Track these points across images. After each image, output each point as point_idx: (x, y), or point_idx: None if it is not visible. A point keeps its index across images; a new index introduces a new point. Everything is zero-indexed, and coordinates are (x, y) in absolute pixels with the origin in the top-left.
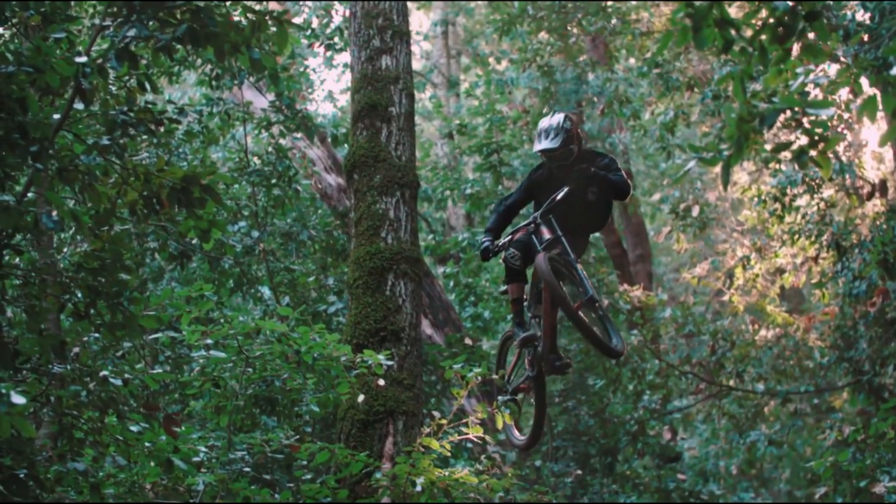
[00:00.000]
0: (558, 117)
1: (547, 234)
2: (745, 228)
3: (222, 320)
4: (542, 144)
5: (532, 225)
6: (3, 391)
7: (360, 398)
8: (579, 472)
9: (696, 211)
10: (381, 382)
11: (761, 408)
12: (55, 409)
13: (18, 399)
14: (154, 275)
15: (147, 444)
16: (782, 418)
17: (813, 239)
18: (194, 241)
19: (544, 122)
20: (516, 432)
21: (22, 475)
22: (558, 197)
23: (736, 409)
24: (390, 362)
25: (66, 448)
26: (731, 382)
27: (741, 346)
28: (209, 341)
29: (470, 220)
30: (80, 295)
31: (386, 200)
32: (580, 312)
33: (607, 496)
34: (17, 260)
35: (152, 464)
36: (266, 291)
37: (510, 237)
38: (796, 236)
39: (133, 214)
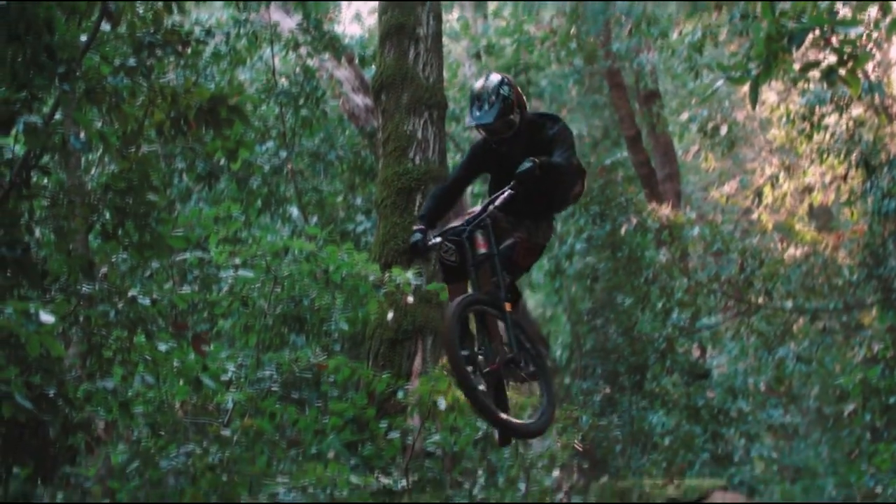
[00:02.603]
0: (493, 80)
1: (482, 248)
2: (773, 147)
3: (250, 240)
4: (475, 117)
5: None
6: (33, 311)
7: (389, 316)
8: (608, 389)
9: (724, 130)
10: (410, 300)
11: (790, 325)
12: (84, 329)
13: (47, 318)
14: (182, 195)
15: (176, 362)
16: (811, 335)
17: (841, 157)
18: (222, 162)
19: (476, 87)
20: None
21: (51, 394)
22: (497, 202)
23: (764, 326)
24: (419, 281)
25: (95, 367)
26: (760, 300)
27: (770, 263)
28: (237, 261)
29: None
30: (108, 215)
31: (414, 121)
32: (498, 376)
33: (636, 413)
34: (46, 181)
35: (181, 382)
36: (294, 211)
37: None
38: (825, 155)
39: (160, 135)
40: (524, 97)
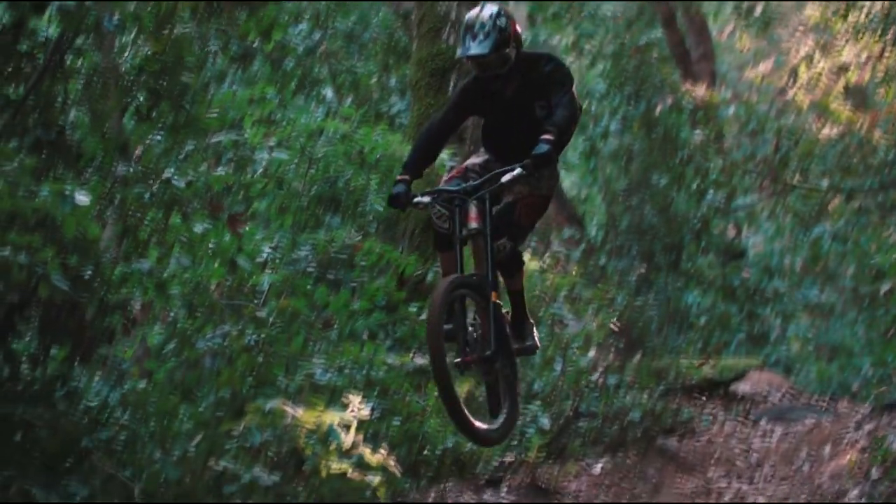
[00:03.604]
0: (489, 10)
1: (474, 222)
2: (808, 26)
3: (285, 121)
4: (469, 48)
5: (463, 174)
6: (68, 192)
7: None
8: (643, 269)
9: (759, 9)
10: (444, 180)
11: (825, 204)
12: (119, 210)
13: (83, 200)
14: (216, 77)
15: (211, 244)
16: (847, 215)
17: (877, 36)
18: (256, 43)
19: (471, 17)
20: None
21: (88, 275)
22: (505, 179)
23: (800, 205)
24: (453, 162)
25: (130, 248)
26: (795, 179)
27: (805, 143)
28: (272, 142)
29: (532, 20)
30: (142, 97)
31: (448, 3)
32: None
33: (672, 293)
34: (80, 63)
35: (216, 263)
36: (328, 92)
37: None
38: (860, 34)
39: (194, 16)
40: (519, 34)
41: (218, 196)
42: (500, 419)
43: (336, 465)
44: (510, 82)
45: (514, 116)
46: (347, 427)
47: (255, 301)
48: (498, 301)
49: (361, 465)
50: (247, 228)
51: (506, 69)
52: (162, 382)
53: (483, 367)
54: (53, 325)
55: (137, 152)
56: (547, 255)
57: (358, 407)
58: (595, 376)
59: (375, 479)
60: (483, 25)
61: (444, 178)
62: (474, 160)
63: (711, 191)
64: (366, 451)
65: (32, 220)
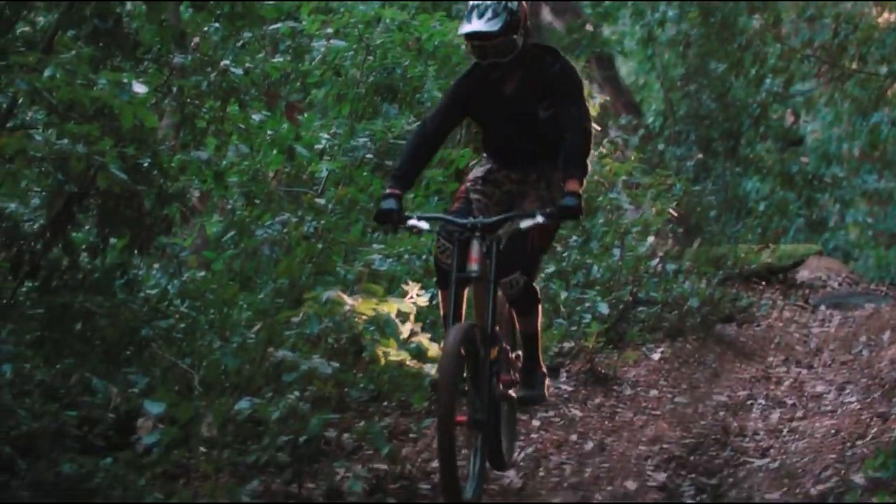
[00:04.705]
0: None
1: (475, 264)
2: None
3: (342, 9)
4: (474, 24)
5: (466, 199)
6: (126, 81)
7: None
8: (701, 155)
9: None
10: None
11: (884, 90)
12: (177, 100)
13: (141, 89)
14: None
15: (269, 132)
16: None
17: None
18: None
19: None
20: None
21: (146, 165)
22: (523, 225)
23: (858, 91)
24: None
25: (188, 138)
26: (854, 65)
27: (864, 28)
28: (330, 30)
29: None
30: None
31: None
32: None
33: (730, 179)
34: None
35: (275, 152)
36: None
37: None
38: None
39: None
40: (529, 24)
41: (275, 85)
42: (469, 485)
43: (394, 355)
44: (511, 77)
45: (514, 118)
46: (406, 316)
47: (314, 189)
48: (499, 356)
49: (419, 354)
50: (304, 117)
51: (508, 59)
52: (221, 272)
53: (470, 430)
54: (112, 216)
55: (195, 41)
56: (605, 141)
57: (416, 295)
58: (654, 263)
59: (433, 369)
60: (493, 3)
61: (456, 204)
62: (476, 173)
63: (769, 77)
64: (424, 341)
65: (90, 110)
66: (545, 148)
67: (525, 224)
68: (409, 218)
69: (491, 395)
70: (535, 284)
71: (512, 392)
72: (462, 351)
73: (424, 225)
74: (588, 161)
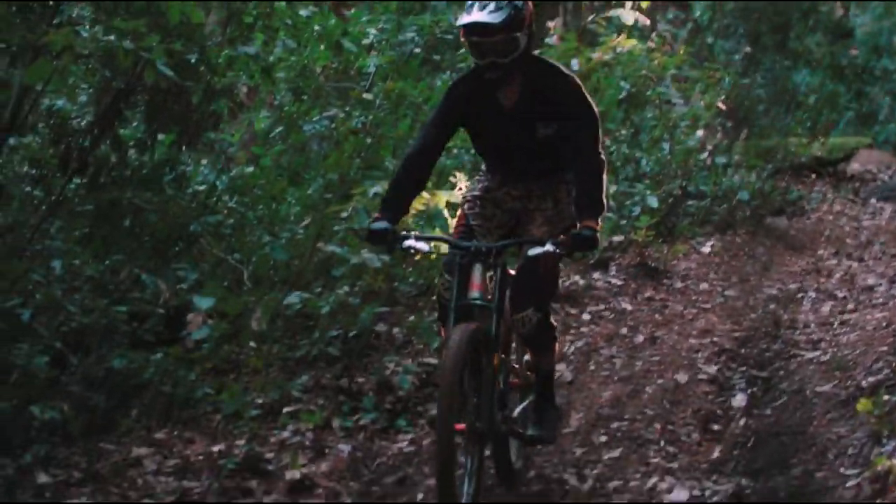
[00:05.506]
0: None
1: (476, 290)
2: None
3: None
4: (474, 15)
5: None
6: None
7: None
8: (750, 49)
9: None
10: None
11: None
12: None
13: None
14: None
15: (317, 27)
16: None
17: None
18: None
19: None
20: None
21: (193, 60)
22: (532, 253)
23: None
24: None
25: (235, 33)
26: None
27: None
28: None
29: None
30: None
31: None
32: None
33: (779, 72)
34: None
35: (322, 47)
36: None
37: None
38: None
39: None
40: (533, 26)
41: None
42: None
43: (444, 248)
44: (510, 86)
45: (512, 136)
46: (455, 208)
47: (362, 84)
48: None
49: None
50: (352, 12)
51: (508, 61)
52: (269, 167)
53: (471, 439)
54: (160, 111)
55: None
56: (654, 34)
57: (466, 187)
58: (703, 156)
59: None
60: None
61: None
62: (473, 191)
63: None
64: None
65: (137, 5)
66: (548, 162)
67: (533, 252)
68: (406, 238)
69: (495, 398)
70: (551, 319)
71: (521, 430)
72: (466, 352)
73: (423, 246)
74: (604, 197)
